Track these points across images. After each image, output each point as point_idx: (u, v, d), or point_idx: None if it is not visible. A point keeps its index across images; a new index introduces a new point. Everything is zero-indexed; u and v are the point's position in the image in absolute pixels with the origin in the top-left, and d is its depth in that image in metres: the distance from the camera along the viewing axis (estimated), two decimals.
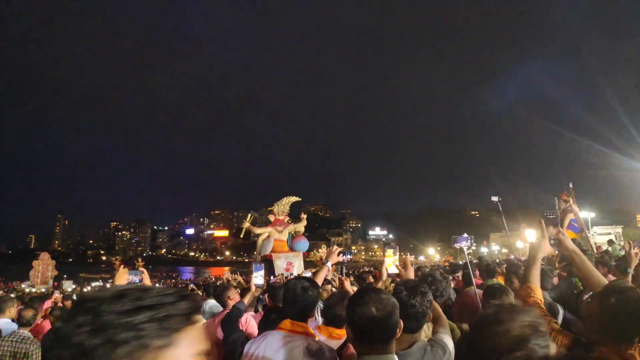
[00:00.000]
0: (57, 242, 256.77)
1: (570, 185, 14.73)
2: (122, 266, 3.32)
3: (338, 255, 3.76)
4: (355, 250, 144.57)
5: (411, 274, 2.95)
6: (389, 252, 3.16)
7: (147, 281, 3.36)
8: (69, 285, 35.15)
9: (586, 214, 31.94)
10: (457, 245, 6.22)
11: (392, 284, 3.11)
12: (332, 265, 3.79)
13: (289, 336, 2.37)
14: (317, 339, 2.47)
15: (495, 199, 8.24)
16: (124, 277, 3.25)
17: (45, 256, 40.69)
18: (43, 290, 31.02)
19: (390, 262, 3.09)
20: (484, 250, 59.15)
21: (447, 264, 18.60)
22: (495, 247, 73.60)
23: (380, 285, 2.92)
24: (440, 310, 2.69)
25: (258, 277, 3.09)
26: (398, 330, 1.82)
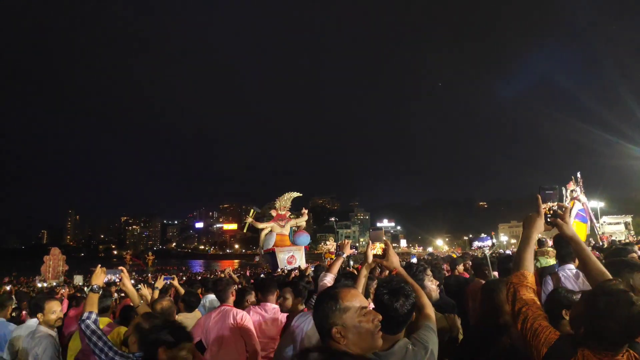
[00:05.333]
0: (68, 237, 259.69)
1: (579, 175, 14.54)
2: (99, 266, 3.26)
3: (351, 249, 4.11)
4: (364, 242, 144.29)
5: (394, 261, 2.65)
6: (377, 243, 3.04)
7: (127, 280, 3.30)
8: (79, 280, 35.53)
9: (595, 204, 31.56)
10: (476, 245, 6.18)
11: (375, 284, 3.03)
12: (345, 256, 4.03)
13: None
14: None
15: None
16: (101, 277, 3.20)
17: (55, 251, 41.07)
18: (54, 284, 31.43)
19: (377, 246, 2.97)
20: (493, 241, 58.61)
21: (454, 255, 18.51)
22: (504, 238, 73.13)
23: (365, 268, 2.79)
24: (425, 300, 2.42)
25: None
26: None
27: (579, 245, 2.20)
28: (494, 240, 4.34)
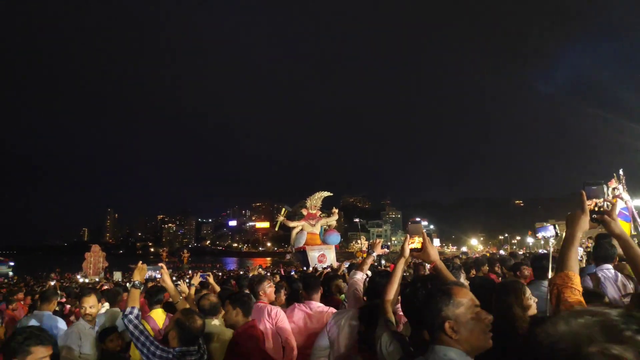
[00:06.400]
0: (108, 234, 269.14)
1: (621, 172, 13.91)
2: (140, 262, 3.37)
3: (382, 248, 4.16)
4: (396, 242, 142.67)
5: (432, 253, 2.63)
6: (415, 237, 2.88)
7: (167, 276, 3.41)
8: (119, 276, 36.72)
9: (639, 202, 30.15)
10: (539, 235, 5.90)
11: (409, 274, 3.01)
12: (375, 254, 4.09)
13: None
14: None
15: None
16: (142, 273, 3.31)
17: (96, 248, 42.66)
18: (96, 280, 32.62)
19: (415, 240, 2.76)
20: (529, 240, 56.82)
21: (488, 254, 18.06)
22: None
23: (401, 261, 2.66)
24: None
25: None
26: None
27: (627, 242, 2.04)
28: (557, 230, 4.03)
